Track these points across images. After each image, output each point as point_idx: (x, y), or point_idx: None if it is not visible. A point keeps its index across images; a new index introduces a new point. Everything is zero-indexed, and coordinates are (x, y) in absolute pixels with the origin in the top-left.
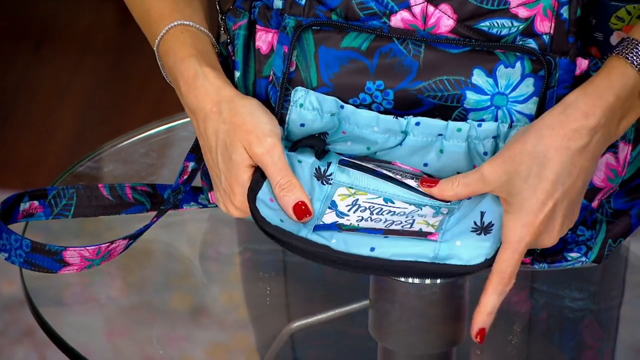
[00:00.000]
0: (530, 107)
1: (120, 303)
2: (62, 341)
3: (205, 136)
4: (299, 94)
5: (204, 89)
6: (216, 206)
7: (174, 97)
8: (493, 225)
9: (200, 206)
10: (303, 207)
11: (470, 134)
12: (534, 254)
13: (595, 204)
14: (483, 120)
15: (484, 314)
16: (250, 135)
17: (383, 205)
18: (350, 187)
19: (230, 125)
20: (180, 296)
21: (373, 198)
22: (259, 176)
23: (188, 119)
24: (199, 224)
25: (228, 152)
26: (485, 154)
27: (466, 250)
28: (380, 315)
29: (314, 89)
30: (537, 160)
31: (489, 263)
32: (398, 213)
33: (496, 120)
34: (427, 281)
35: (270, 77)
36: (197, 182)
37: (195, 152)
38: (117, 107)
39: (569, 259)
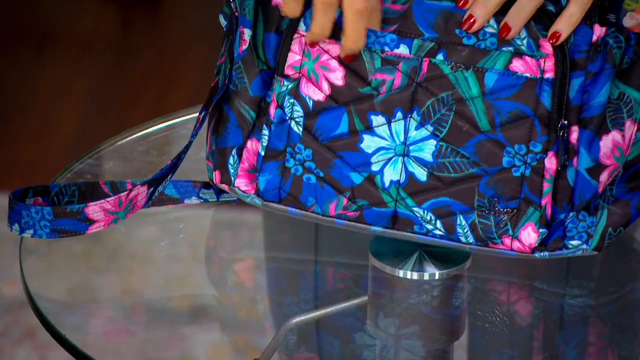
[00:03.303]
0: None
1: (121, 304)
2: (66, 340)
3: None
4: None
5: None
6: (218, 200)
7: (173, 96)
8: None
9: (202, 201)
10: None
11: None
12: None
13: (600, 188)
14: None
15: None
16: None
17: None
18: None
19: None
20: (181, 298)
21: None
22: None
23: (188, 117)
24: (200, 225)
25: None
26: None
27: None
28: (378, 310)
29: None
30: None
31: None
32: None
33: None
34: (426, 276)
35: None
36: (198, 176)
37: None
38: (118, 106)
39: (570, 247)
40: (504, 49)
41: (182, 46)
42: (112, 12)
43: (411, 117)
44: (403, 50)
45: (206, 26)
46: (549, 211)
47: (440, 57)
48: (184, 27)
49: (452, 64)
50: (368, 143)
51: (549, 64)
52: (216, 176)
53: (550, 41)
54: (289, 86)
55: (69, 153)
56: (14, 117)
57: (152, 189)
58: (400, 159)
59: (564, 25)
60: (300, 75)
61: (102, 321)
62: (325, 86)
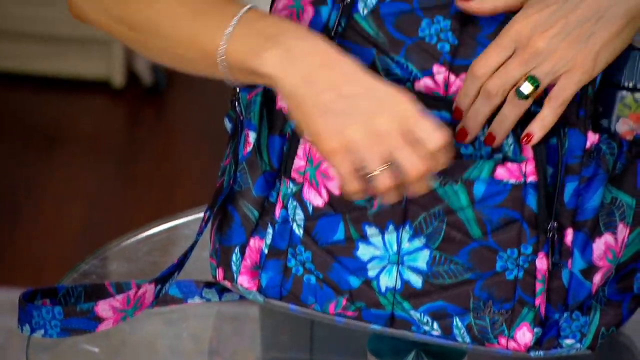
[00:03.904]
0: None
1: None
2: None
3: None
4: None
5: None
6: (220, 299)
7: (176, 197)
8: None
9: (204, 300)
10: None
11: None
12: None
13: (593, 289)
14: None
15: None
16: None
17: None
18: None
19: None
20: None
21: None
22: None
23: (190, 218)
24: (203, 320)
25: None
26: None
27: None
28: None
29: None
30: None
31: None
32: None
33: None
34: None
35: (288, 134)
36: (200, 275)
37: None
38: (122, 206)
39: (564, 345)
40: (494, 156)
41: (185, 146)
42: (119, 111)
43: (403, 229)
44: None
45: (209, 125)
46: (542, 311)
47: None
48: (187, 127)
49: (440, 178)
50: (363, 251)
51: (530, 168)
52: (219, 273)
53: (523, 140)
54: (294, 189)
55: (76, 251)
56: (24, 216)
57: (159, 287)
58: (395, 267)
59: (537, 127)
60: (304, 180)
61: None
62: (325, 193)
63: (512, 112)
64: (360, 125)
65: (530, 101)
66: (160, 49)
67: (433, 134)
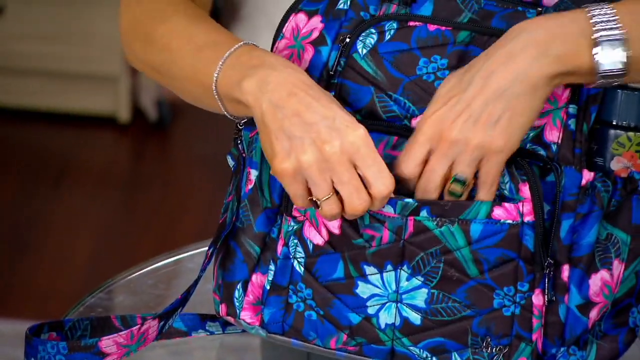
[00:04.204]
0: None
1: None
2: None
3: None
4: None
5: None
6: (223, 332)
7: (181, 229)
8: None
9: (208, 333)
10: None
11: None
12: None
13: (590, 324)
14: None
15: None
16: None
17: None
18: None
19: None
20: None
21: None
22: None
23: (194, 251)
24: (207, 352)
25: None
26: None
27: None
28: None
29: None
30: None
31: None
32: None
33: None
34: None
35: None
36: (203, 308)
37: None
38: (128, 238)
39: None
40: None
41: (189, 179)
42: (125, 146)
43: (401, 269)
44: (388, 209)
45: (212, 158)
46: (540, 346)
47: (424, 213)
48: (191, 160)
49: (437, 219)
50: (363, 289)
51: (527, 208)
52: (222, 309)
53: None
54: (295, 227)
55: (82, 283)
56: (31, 248)
57: (162, 322)
58: (394, 304)
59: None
60: (305, 218)
61: None
62: (324, 232)
63: (494, 168)
64: (313, 151)
65: (470, 187)
66: (177, 87)
67: (378, 179)
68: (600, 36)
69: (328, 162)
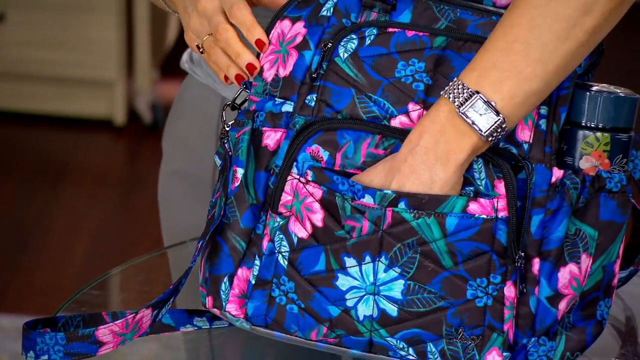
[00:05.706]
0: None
1: None
2: None
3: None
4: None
5: None
6: (210, 327)
7: None
8: None
9: (196, 328)
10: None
11: None
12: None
13: (559, 315)
14: None
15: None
16: None
17: None
18: None
19: None
20: None
21: None
22: None
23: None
24: (199, 342)
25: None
26: None
27: None
28: None
29: None
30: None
31: None
32: None
33: None
34: None
35: (272, 169)
36: (191, 304)
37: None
38: (124, 237)
39: None
40: (465, 189)
41: None
42: (121, 147)
43: (379, 260)
44: (368, 200)
45: None
46: (511, 336)
47: (402, 205)
48: None
49: (415, 211)
50: (342, 281)
51: (501, 204)
52: (209, 301)
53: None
54: (280, 223)
55: (80, 280)
56: (31, 247)
57: (156, 311)
58: (372, 297)
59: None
60: (290, 214)
61: None
62: (308, 225)
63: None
64: (194, 10)
65: None
66: None
67: (250, 28)
68: (464, 108)
69: (205, 14)
